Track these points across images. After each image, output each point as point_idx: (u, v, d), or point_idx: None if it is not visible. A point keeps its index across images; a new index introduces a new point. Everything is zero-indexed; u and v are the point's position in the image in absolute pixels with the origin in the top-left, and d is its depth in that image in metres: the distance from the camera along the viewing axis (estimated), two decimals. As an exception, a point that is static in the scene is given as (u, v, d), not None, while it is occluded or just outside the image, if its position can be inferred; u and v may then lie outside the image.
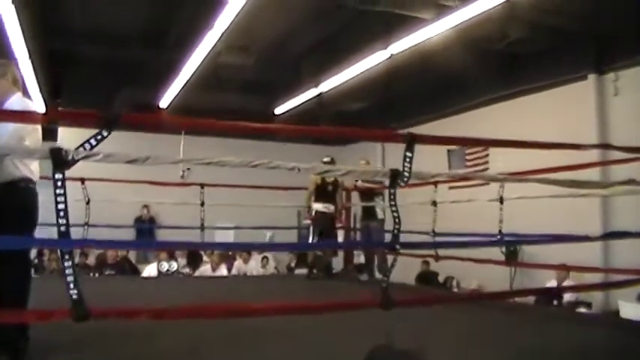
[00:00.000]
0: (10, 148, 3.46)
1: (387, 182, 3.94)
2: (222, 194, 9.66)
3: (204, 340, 4.31)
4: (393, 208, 3.92)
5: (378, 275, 9.50)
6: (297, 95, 14.24)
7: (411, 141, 3.79)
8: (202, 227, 9.58)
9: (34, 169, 3.96)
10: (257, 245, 12.26)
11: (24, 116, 3.66)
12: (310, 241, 9.67)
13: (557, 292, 8.83)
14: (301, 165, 3.86)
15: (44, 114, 4.35)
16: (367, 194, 9.86)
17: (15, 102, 3.96)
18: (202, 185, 9.41)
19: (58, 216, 3.00)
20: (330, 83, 12.75)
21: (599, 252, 9.42)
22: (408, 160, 3.81)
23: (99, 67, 12.95)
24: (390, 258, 3.99)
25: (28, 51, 9.75)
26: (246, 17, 8.89)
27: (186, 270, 12.16)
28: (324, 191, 9.45)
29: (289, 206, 10.73)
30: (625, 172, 6.17)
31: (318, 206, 9.50)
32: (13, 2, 7.65)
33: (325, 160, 9.39)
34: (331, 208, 9.52)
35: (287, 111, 15.21)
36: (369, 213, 9.95)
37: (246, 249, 12.44)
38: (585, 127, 10.24)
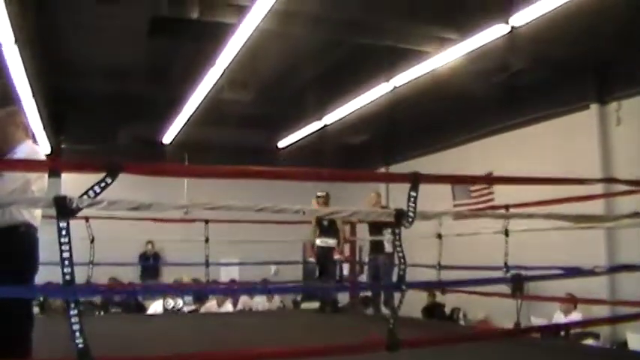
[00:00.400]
0: (15, 197, 3.48)
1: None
2: (226, 229, 9.62)
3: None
4: (399, 248, 3.91)
5: (384, 310, 9.44)
6: (300, 128, 14.30)
7: (416, 181, 3.77)
8: (207, 263, 9.56)
9: (36, 214, 3.96)
10: (261, 290, 12.22)
11: (30, 165, 3.68)
12: (317, 274, 9.66)
13: (565, 329, 8.77)
14: (306, 208, 3.86)
15: (49, 162, 4.37)
16: (375, 227, 9.78)
17: (24, 150, 4.00)
18: (206, 221, 9.39)
19: (62, 265, 3.00)
20: (333, 116, 12.81)
21: (605, 282, 9.35)
22: (412, 199, 3.79)
23: (102, 103, 13.02)
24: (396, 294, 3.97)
25: (32, 89, 9.82)
26: (247, 53, 8.95)
27: (192, 306, 12.10)
28: (321, 225, 9.45)
29: (294, 240, 10.70)
30: (629, 202, 6.18)
31: (317, 241, 9.52)
32: (16, 42, 7.71)
33: (319, 194, 9.40)
34: (330, 242, 9.50)
35: (290, 144, 15.26)
36: (376, 247, 9.90)
37: (251, 292, 12.41)
38: (588, 156, 10.24)
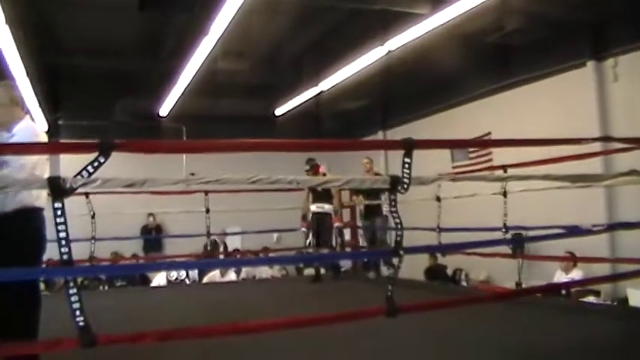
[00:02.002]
0: (9, 179, 3.48)
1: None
2: (226, 199, 9.64)
3: (214, 349, 4.33)
4: (395, 214, 3.91)
5: (386, 272, 9.50)
6: (296, 95, 14.23)
7: (410, 147, 3.75)
8: (209, 234, 9.61)
9: (41, 194, 3.96)
10: (262, 260, 12.26)
11: (28, 149, 3.67)
12: (307, 243, 9.64)
13: (566, 287, 8.84)
14: (299, 178, 3.86)
15: (46, 146, 4.36)
16: (372, 191, 9.77)
17: (23, 129, 3.98)
18: (206, 192, 9.40)
19: (60, 245, 3.01)
20: (329, 82, 12.74)
21: (605, 240, 9.40)
22: (407, 166, 3.78)
23: (97, 79, 13.01)
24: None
25: (25, 68, 9.78)
26: (240, 22, 8.90)
27: (195, 277, 12.18)
28: (315, 192, 9.40)
29: (294, 207, 10.71)
30: (627, 159, 6.18)
31: (312, 207, 9.48)
32: (6, 22, 7.66)
33: (306, 167, 9.35)
34: (326, 207, 9.44)
35: (287, 112, 15.21)
36: (372, 210, 9.92)
37: (250, 265, 12.43)
38: (585, 114, 10.21)
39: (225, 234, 12.83)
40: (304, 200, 9.58)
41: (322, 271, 9.81)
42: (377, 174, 9.86)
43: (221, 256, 12.62)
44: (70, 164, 3.54)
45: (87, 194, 8.38)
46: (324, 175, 9.27)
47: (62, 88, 13.71)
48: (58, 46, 11.67)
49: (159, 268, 12.76)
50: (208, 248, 10.71)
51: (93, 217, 8.78)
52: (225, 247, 13.70)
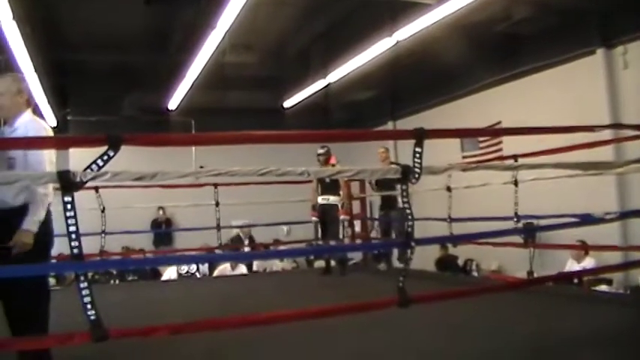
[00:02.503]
0: (20, 174, 3.48)
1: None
2: (236, 191, 9.63)
3: (226, 341, 4.33)
4: (406, 205, 3.89)
5: (397, 264, 9.48)
6: (305, 87, 14.21)
7: (421, 137, 3.74)
8: (218, 227, 9.60)
9: (49, 188, 3.96)
10: (272, 253, 12.26)
11: (35, 143, 3.67)
12: (315, 235, 9.60)
13: (578, 276, 8.81)
14: (310, 169, 3.84)
15: (56, 140, 4.35)
16: (385, 182, 9.71)
17: (25, 123, 3.96)
18: (216, 185, 9.39)
19: (70, 239, 3.01)
20: (337, 74, 12.70)
21: (617, 228, 9.34)
22: (418, 156, 3.77)
23: (105, 74, 13.03)
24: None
25: (33, 64, 9.80)
26: (248, 15, 8.89)
27: (206, 270, 12.20)
28: (322, 183, 9.33)
29: (304, 199, 10.70)
30: (638, 146, 6.14)
31: (319, 199, 9.42)
32: (14, 18, 7.67)
33: (320, 151, 9.28)
34: (331, 199, 9.35)
35: (296, 104, 15.20)
36: (388, 202, 9.88)
37: (259, 259, 12.43)
38: (596, 101, 10.16)
39: (249, 226, 12.75)
40: (312, 191, 9.51)
41: (332, 263, 9.75)
42: (393, 163, 9.80)
43: (247, 249, 12.58)
44: (80, 160, 3.53)
45: (97, 188, 8.40)
46: (334, 166, 9.21)
47: (70, 84, 13.75)
48: (66, 42, 11.69)
49: (171, 262, 12.75)
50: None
51: (103, 211, 8.79)
52: (252, 239, 13.66)
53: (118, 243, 12.08)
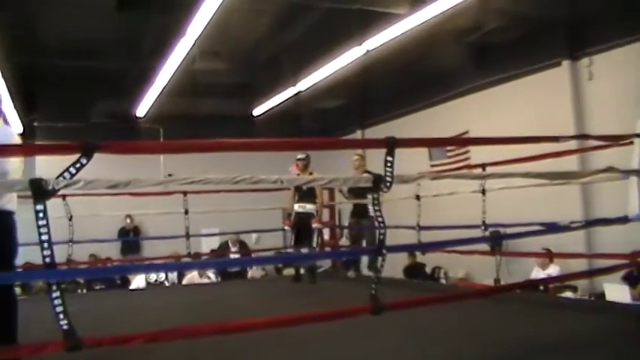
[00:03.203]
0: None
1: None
2: (205, 199, 9.60)
3: (198, 351, 4.32)
4: (378, 213, 3.93)
5: (366, 272, 9.52)
6: (275, 95, 14.24)
7: (392, 146, 3.78)
8: (188, 235, 9.53)
9: (13, 197, 3.92)
10: (241, 261, 12.22)
11: (8, 151, 3.63)
12: (285, 243, 9.59)
13: (544, 283, 8.94)
14: (284, 177, 3.87)
15: (23, 147, 4.31)
16: (357, 190, 9.71)
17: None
18: (185, 193, 9.33)
19: (42, 247, 2.98)
20: (307, 82, 12.75)
21: (582, 236, 9.51)
22: (389, 164, 3.81)
23: (73, 80, 12.87)
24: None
25: (0, 69, 9.66)
26: (218, 22, 8.87)
27: (174, 279, 12.13)
28: (299, 191, 9.32)
29: (273, 208, 10.70)
30: (604, 157, 6.27)
31: (295, 207, 9.41)
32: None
33: (300, 157, 9.27)
34: (308, 207, 9.34)
35: (266, 111, 15.21)
36: (359, 211, 9.89)
37: (228, 266, 12.37)
38: (561, 112, 10.34)
39: (238, 233, 12.69)
40: (289, 199, 9.47)
41: (302, 271, 9.75)
42: (367, 172, 9.80)
43: (236, 256, 12.51)
44: (47, 168, 3.50)
45: (64, 197, 8.29)
46: (311, 174, 9.18)
47: (38, 90, 13.57)
48: (34, 47, 11.54)
49: (147, 269, 12.65)
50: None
51: (70, 219, 8.69)
52: (244, 245, 13.57)
53: (84, 252, 11.93)
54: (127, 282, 12.41)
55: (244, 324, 3.68)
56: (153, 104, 13.55)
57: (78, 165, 3.07)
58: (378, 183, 3.83)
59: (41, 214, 2.99)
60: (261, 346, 4.35)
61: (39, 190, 2.98)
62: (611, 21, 9.63)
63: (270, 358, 4.32)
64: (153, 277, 11.56)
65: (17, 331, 3.74)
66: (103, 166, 3.48)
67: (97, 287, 11.92)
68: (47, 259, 3.00)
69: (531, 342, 4.38)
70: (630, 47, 9.48)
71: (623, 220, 4.95)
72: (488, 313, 5.52)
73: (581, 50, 10.33)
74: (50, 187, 3.01)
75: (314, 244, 9.25)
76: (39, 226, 2.98)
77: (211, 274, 12.05)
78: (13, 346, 3.43)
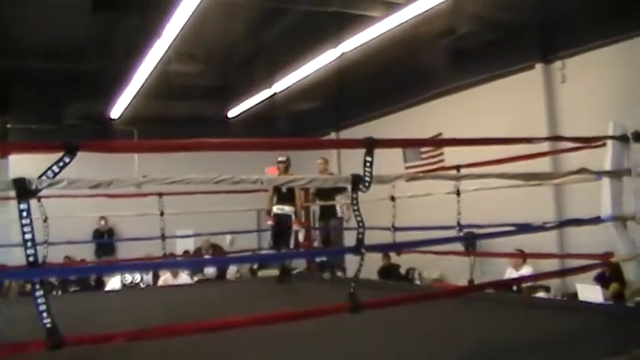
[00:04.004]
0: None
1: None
2: (179, 200, 9.57)
3: (175, 348, 4.32)
4: (356, 213, 3.97)
5: (340, 274, 9.60)
6: (249, 97, 14.24)
7: (371, 146, 3.83)
8: (163, 237, 9.51)
9: None
10: (218, 260, 12.20)
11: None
12: (268, 244, 9.62)
13: (518, 283, 9.06)
14: (264, 177, 3.90)
15: (9, 145, 4.30)
16: (325, 192, 9.81)
17: None
18: (160, 194, 9.31)
19: (25, 246, 2.98)
20: (282, 84, 12.78)
21: (554, 236, 9.66)
22: (368, 164, 3.85)
23: (47, 82, 12.75)
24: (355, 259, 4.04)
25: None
26: (194, 24, 8.87)
27: (149, 280, 12.09)
28: (279, 193, 9.38)
29: (248, 209, 10.70)
30: (576, 158, 6.38)
31: (274, 209, 9.44)
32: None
33: (280, 159, 9.31)
34: (286, 209, 9.37)
35: (240, 113, 15.20)
36: (327, 212, 9.96)
37: (207, 265, 12.38)
38: (535, 115, 10.48)
39: (211, 234, 12.69)
40: (267, 200, 9.53)
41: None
42: (331, 174, 9.90)
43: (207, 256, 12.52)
44: (21, 168, 3.50)
45: (39, 197, 8.23)
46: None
47: (11, 91, 13.44)
48: (7, 48, 11.43)
49: (127, 268, 12.56)
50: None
51: (45, 220, 8.61)
52: (218, 248, 13.51)
53: (58, 254, 11.83)
54: (101, 284, 12.33)
55: (224, 323, 3.69)
56: (127, 106, 13.49)
57: (61, 164, 3.07)
58: (357, 183, 3.87)
59: (24, 213, 2.99)
60: (239, 346, 4.36)
61: (23, 190, 2.98)
62: (583, 25, 9.78)
63: (248, 357, 4.34)
64: (128, 278, 11.49)
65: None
66: (74, 167, 3.42)
67: (72, 289, 11.82)
68: (31, 258, 2.99)
69: (507, 341, 4.44)
70: (602, 50, 9.66)
71: (596, 220, 5.06)
72: (464, 313, 5.59)
73: (554, 54, 10.49)
74: (34, 187, 3.01)
75: (291, 246, 9.30)
76: (22, 225, 2.97)
77: (186, 276, 12.00)
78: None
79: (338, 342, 4.56)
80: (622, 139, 4.96)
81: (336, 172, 13.14)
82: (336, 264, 10.08)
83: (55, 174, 3.08)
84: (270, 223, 9.59)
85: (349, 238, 7.68)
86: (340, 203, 9.63)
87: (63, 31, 11.06)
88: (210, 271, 13.26)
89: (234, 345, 4.35)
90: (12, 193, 3.05)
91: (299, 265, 12.65)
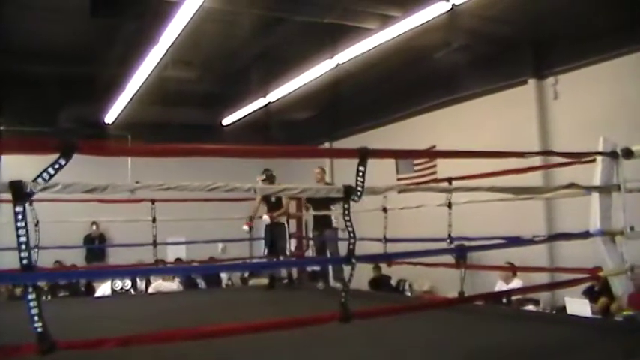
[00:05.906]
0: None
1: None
2: (171, 207, 9.57)
3: (164, 357, 4.32)
4: (348, 223, 3.99)
5: (334, 283, 9.60)
6: (244, 106, 14.27)
7: (365, 156, 3.85)
8: (155, 243, 9.50)
9: None
10: (211, 267, 12.17)
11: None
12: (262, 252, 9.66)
13: (507, 295, 9.09)
14: (257, 186, 3.92)
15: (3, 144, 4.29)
16: (320, 202, 9.82)
17: None
18: (153, 201, 9.31)
19: (20, 249, 2.97)
20: (277, 93, 12.83)
21: (544, 249, 9.72)
22: (361, 174, 3.86)
23: (42, 85, 12.73)
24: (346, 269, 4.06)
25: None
26: (191, 31, 8.91)
27: (142, 286, 12.05)
28: (268, 202, 9.44)
29: (240, 217, 10.69)
30: (567, 173, 6.43)
31: (264, 217, 9.49)
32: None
33: (261, 177, 9.36)
34: (278, 218, 9.47)
35: (235, 121, 15.22)
36: (322, 222, 9.98)
37: (199, 272, 12.35)
38: (527, 130, 10.56)
39: (205, 242, 12.68)
40: (254, 209, 9.57)
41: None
42: (328, 184, 9.94)
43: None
44: (11, 170, 3.50)
45: (31, 201, 8.18)
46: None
47: (5, 94, 13.41)
48: (4, 49, 11.41)
49: (123, 273, 12.50)
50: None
51: (37, 224, 8.59)
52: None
53: (49, 258, 11.81)
54: (91, 289, 12.29)
55: (215, 329, 3.70)
56: (122, 111, 13.50)
57: (57, 166, 3.04)
58: (349, 193, 3.89)
59: (20, 216, 2.98)
60: (228, 354, 4.38)
61: (19, 192, 2.98)
62: (576, 42, 9.89)
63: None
64: (119, 284, 11.46)
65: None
66: (64, 172, 3.39)
67: (61, 294, 11.78)
68: (25, 261, 2.97)
69: (496, 352, 4.47)
70: (595, 67, 9.75)
71: (585, 235, 5.10)
72: (454, 325, 5.61)
73: (547, 69, 10.58)
74: (29, 189, 3.01)
75: (287, 252, 9.37)
76: (17, 228, 2.96)
77: (177, 283, 11.96)
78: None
79: (328, 351, 4.57)
80: (612, 155, 5.00)
81: (329, 182, 13.16)
82: (333, 273, 10.05)
83: (51, 176, 3.06)
84: (245, 228, 9.63)
85: (344, 249, 7.69)
86: (336, 214, 9.66)
87: (59, 35, 11.05)
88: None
89: (225, 352, 4.37)
90: (3, 196, 3.04)
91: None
